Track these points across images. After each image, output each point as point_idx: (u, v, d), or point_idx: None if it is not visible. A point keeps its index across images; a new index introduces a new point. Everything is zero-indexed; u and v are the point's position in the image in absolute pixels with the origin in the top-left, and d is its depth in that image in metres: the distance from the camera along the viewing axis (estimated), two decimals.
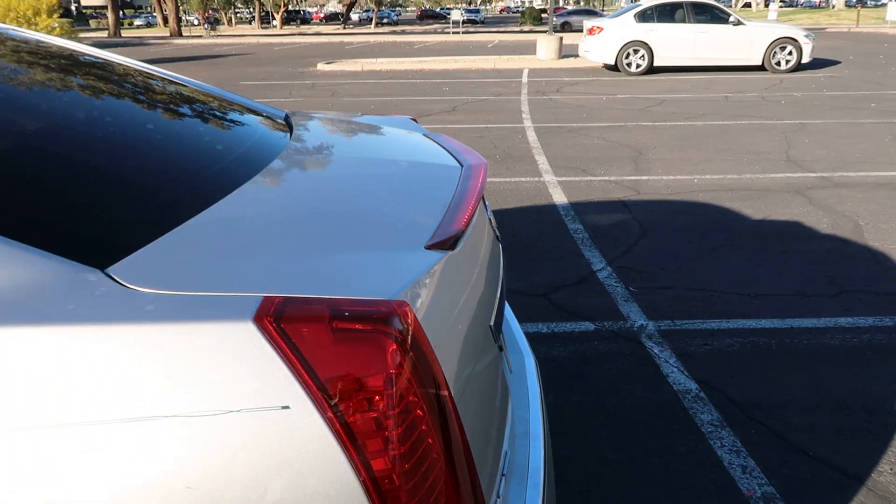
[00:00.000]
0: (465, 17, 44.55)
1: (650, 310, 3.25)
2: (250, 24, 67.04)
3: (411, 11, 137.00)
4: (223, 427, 0.68)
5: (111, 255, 0.79)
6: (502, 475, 1.06)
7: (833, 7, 56.99)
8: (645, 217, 4.65)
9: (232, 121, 1.46)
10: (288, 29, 54.61)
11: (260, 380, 0.69)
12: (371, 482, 0.71)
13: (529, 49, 20.67)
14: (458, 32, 35.02)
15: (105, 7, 59.38)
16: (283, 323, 0.71)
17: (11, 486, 0.66)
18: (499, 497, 1.02)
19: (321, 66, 16.82)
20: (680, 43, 13.71)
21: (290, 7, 64.21)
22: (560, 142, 7.28)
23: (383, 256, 0.89)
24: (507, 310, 1.72)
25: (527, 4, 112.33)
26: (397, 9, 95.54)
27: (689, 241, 4.18)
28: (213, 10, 63.92)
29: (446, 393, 0.81)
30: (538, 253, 4.03)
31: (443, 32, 38.55)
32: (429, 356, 0.79)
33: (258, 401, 0.69)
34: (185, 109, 1.45)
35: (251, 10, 71.73)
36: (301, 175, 1.22)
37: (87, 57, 1.53)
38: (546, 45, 17.37)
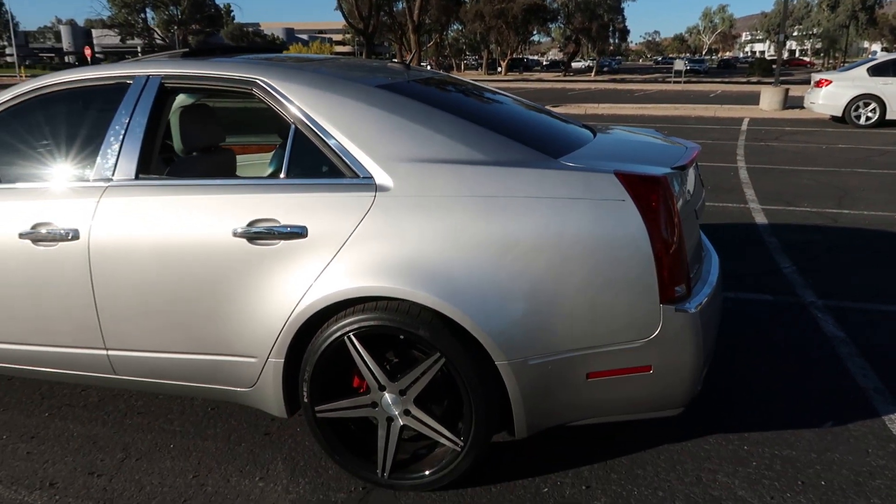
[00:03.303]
0: (689, 67, 44.58)
1: (821, 293, 4.23)
2: (477, 70, 72.09)
3: (632, 61, 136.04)
4: (604, 204, 2.09)
5: (559, 153, 2.27)
6: (694, 270, 2.38)
7: None
8: (836, 239, 5.49)
9: (565, 121, 2.96)
10: (512, 75, 58.17)
11: (614, 190, 2.10)
12: (650, 235, 2.07)
13: (753, 100, 20.80)
14: (679, 82, 35.34)
15: (352, 54, 67.66)
16: (623, 176, 2.11)
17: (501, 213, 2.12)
18: (694, 274, 2.35)
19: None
20: None
21: (515, 55, 68.31)
22: (770, 179, 8.10)
23: (656, 168, 2.27)
24: (703, 234, 2.99)
25: (758, 54, 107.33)
26: (618, 57, 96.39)
27: (873, 257, 4.99)
28: (445, 56, 69.98)
29: (677, 211, 2.15)
30: (736, 253, 5.10)
31: (663, 81, 39.02)
32: (672, 196, 2.14)
33: (616, 195, 2.09)
34: (543, 114, 2.96)
35: (478, 57, 77.41)
36: (611, 141, 2.66)
37: (479, 84, 3.11)
38: (770, 96, 17.60)
